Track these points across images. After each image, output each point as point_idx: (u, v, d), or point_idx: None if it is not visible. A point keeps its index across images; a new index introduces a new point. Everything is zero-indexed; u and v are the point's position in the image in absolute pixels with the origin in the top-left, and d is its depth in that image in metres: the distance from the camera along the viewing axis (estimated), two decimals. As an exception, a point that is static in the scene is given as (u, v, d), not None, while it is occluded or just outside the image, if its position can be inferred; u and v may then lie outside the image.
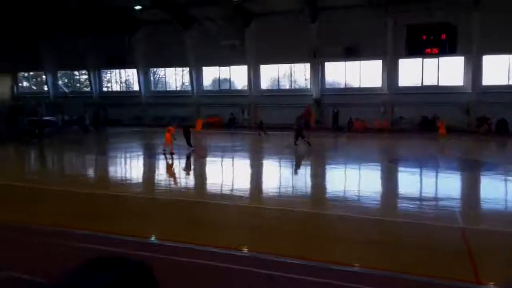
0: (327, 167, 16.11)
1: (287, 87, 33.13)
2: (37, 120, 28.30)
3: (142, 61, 35.34)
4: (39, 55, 37.64)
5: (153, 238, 7.29)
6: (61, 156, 20.88)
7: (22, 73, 41.84)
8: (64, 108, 33.38)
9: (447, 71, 28.48)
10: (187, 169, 16.31)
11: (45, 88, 40.34)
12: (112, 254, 1.13)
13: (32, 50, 36.99)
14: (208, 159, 18.22)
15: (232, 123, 32.68)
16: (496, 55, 26.91)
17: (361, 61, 29.81)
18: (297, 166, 16.42)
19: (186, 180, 14.26)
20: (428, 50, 26.07)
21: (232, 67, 33.77)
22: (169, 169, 15.95)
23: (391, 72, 28.82)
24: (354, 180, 13.76)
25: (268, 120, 28.11)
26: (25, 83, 42.59)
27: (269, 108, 31.48)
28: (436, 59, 28.11)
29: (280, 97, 31.85)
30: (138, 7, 29.50)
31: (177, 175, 14.98)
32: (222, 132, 28.91)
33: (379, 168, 15.64)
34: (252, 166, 16.57)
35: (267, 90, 33.26)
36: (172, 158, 17.10)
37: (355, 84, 30.86)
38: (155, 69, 37.06)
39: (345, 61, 30.04)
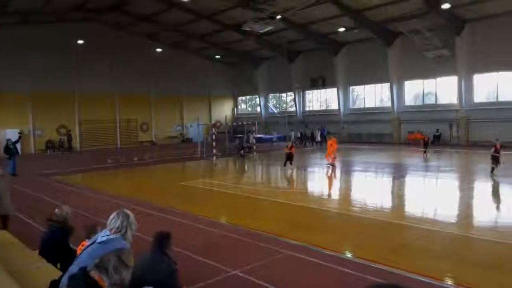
0: None
1: (509, 99, 28.44)
2: (252, 138, 32.51)
3: (343, 80, 36.75)
4: (254, 82, 44.11)
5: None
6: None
7: (241, 97, 49.49)
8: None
9: None
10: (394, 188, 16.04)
11: (258, 109, 46.58)
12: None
13: (249, 77, 43.92)
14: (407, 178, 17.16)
15: (437, 140, 30.31)
16: None
17: None
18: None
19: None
20: None
21: (437, 80, 31.44)
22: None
23: None
24: None
25: (482, 137, 24.71)
26: (242, 106, 50.24)
27: (484, 123, 27.78)
28: None
29: (499, 110, 27.69)
30: (342, 29, 31.00)
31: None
32: (424, 150, 26.62)
33: None
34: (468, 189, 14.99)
35: (482, 103, 29.39)
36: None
37: None
38: (353, 86, 37.84)
39: None
